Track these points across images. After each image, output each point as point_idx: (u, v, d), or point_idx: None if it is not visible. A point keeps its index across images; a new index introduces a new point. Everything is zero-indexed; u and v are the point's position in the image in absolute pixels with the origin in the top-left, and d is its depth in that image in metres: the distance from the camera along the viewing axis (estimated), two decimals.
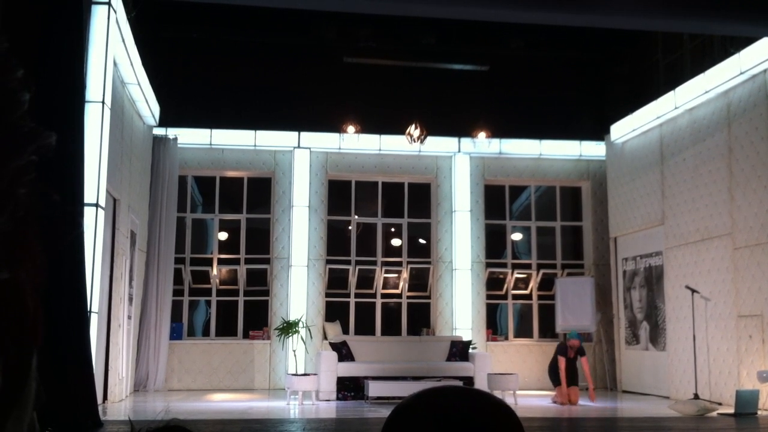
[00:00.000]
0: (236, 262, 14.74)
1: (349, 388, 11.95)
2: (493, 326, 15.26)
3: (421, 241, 15.53)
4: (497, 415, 0.95)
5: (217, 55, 14.65)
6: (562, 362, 11.87)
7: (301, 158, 14.66)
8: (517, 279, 15.35)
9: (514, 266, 15.41)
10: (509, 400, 10.84)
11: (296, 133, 14.64)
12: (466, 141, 15.03)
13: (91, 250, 8.60)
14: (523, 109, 15.22)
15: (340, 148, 14.78)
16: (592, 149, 15.23)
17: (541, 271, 15.32)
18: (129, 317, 12.04)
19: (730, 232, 11.22)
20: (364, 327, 14.80)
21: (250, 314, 14.65)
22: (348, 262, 14.97)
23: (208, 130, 14.46)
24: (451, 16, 10.11)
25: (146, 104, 12.56)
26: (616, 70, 15.41)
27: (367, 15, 13.13)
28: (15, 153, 0.63)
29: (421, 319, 15.12)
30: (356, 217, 15.34)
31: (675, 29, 11.32)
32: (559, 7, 8.20)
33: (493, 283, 15.27)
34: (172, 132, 14.15)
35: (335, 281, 14.90)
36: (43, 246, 0.68)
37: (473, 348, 13.47)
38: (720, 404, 10.62)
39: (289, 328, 13.62)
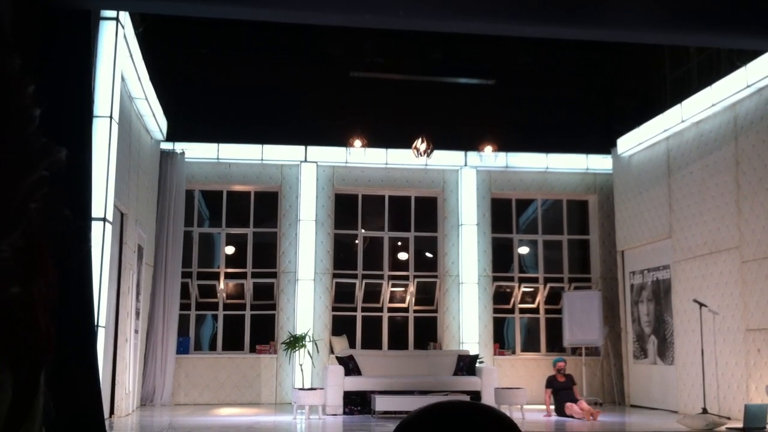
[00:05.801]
0: (243, 276, 14.74)
1: (356, 402, 11.92)
2: (500, 340, 15.21)
3: (428, 254, 15.52)
4: (501, 430, 0.95)
5: (224, 70, 14.70)
6: (547, 394, 11.97)
7: (308, 172, 14.69)
8: (524, 293, 15.31)
9: (521, 280, 15.38)
10: (517, 415, 10.81)
11: (303, 148, 14.67)
12: (472, 155, 15.03)
13: (99, 264, 8.62)
14: (529, 122, 15.21)
15: (346, 162, 14.81)
16: (599, 163, 15.22)
17: (548, 285, 15.28)
18: (136, 331, 12.05)
19: (738, 246, 11.19)
20: (371, 341, 14.78)
21: (256, 328, 14.64)
22: (355, 276, 14.97)
23: (215, 145, 14.49)
24: (457, 31, 10.14)
25: (154, 119, 12.62)
26: (623, 84, 15.41)
27: (373, 30, 13.18)
28: (28, 169, 0.64)
29: (427, 333, 15.09)
30: (363, 231, 15.34)
31: (682, 43, 11.31)
32: (564, 22, 8.21)
33: (500, 297, 15.23)
34: (179, 146, 14.20)
35: (342, 295, 14.89)
36: (54, 262, 0.68)
37: (480, 362, 13.43)
38: (729, 418, 10.56)
39: (295, 342, 13.60)
